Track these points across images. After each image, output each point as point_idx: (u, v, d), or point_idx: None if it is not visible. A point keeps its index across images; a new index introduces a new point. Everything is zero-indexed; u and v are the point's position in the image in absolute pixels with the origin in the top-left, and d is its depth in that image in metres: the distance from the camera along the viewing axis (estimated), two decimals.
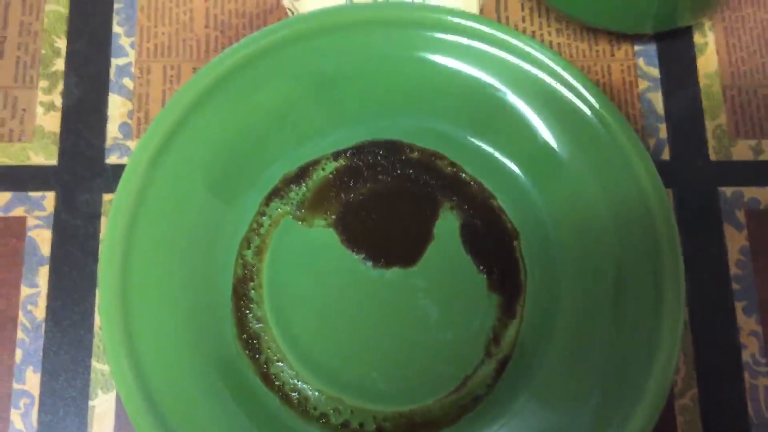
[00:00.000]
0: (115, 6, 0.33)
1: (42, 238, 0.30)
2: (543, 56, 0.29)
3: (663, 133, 0.33)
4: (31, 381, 0.29)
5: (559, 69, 0.29)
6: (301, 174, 0.31)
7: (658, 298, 0.27)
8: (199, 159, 0.29)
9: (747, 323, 0.31)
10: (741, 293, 0.31)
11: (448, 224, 0.31)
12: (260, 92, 0.30)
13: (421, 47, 0.30)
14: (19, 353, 0.29)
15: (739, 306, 0.31)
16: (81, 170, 0.31)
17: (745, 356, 0.30)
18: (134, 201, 0.27)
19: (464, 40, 0.30)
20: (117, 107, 0.32)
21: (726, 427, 0.30)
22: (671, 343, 0.27)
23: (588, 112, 0.29)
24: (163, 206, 0.28)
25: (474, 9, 0.31)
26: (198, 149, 0.29)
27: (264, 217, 0.30)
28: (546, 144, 0.30)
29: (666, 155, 0.33)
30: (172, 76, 0.32)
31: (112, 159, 0.31)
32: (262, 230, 0.30)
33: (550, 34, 0.34)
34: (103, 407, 0.29)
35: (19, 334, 0.30)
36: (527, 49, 0.29)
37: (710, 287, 0.31)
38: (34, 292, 0.30)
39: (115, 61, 0.32)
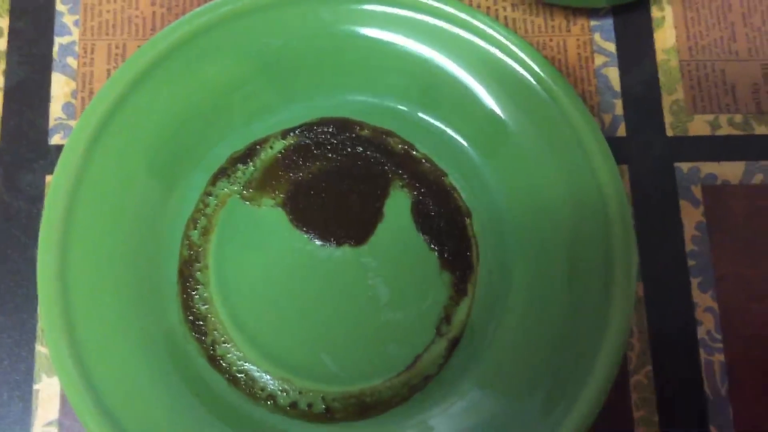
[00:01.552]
0: None
1: None
2: (491, 30, 0.29)
3: (619, 109, 0.32)
4: None
5: (506, 41, 0.29)
6: (249, 153, 0.30)
7: (609, 278, 0.27)
8: (142, 138, 0.28)
9: (703, 299, 0.30)
10: (696, 269, 0.31)
11: (399, 202, 0.30)
12: (204, 69, 0.29)
13: (367, 22, 0.30)
14: None
15: (694, 282, 0.31)
16: (24, 151, 0.31)
17: (701, 332, 0.30)
18: (73, 181, 0.27)
19: (413, 15, 0.29)
20: (60, 87, 0.31)
21: (681, 403, 0.29)
22: (621, 323, 0.26)
23: (537, 85, 0.29)
24: (103, 187, 0.28)
25: None
26: (140, 128, 0.28)
27: (210, 197, 0.30)
28: (494, 117, 0.29)
29: (622, 131, 0.32)
30: (117, 54, 0.32)
31: (55, 140, 0.31)
32: (208, 210, 0.29)
33: (505, 9, 0.33)
34: (47, 391, 0.28)
35: None
36: (476, 23, 0.29)
37: (666, 263, 0.31)
38: None
39: (59, 40, 0.32)
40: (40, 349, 0.29)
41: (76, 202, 0.27)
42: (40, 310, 0.26)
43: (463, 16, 0.29)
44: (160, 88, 0.28)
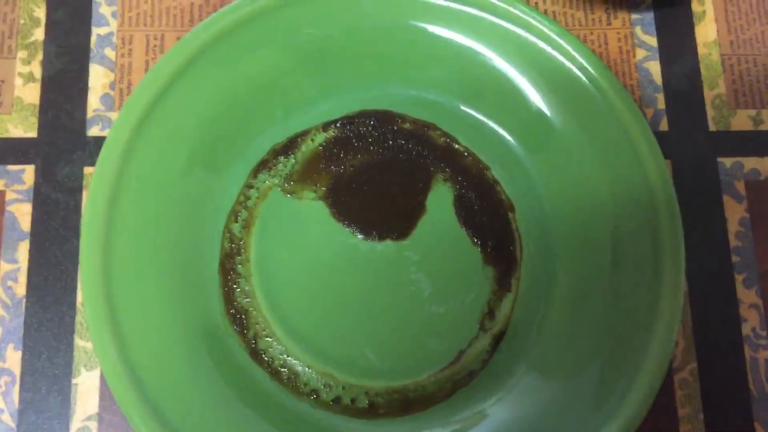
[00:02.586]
0: None
1: (22, 213, 0.29)
2: (537, 22, 0.29)
3: (661, 103, 0.32)
4: (12, 359, 0.28)
5: (553, 35, 0.28)
6: (290, 145, 0.30)
7: (658, 270, 0.26)
8: (183, 130, 0.28)
9: (747, 296, 0.30)
10: (741, 266, 0.30)
11: (441, 196, 0.30)
12: (246, 61, 0.29)
13: (412, 14, 0.29)
14: None
15: (739, 278, 0.30)
16: (61, 143, 0.30)
17: (746, 329, 0.30)
18: (115, 174, 0.27)
19: (456, 6, 0.29)
20: (98, 78, 0.31)
21: (726, 401, 0.29)
22: (671, 314, 0.26)
23: (584, 79, 0.28)
24: (145, 179, 0.27)
25: None
26: (181, 120, 0.28)
27: (251, 190, 0.29)
28: (539, 112, 0.29)
29: (664, 126, 0.32)
30: (155, 45, 0.31)
31: (93, 131, 0.30)
32: (249, 203, 0.29)
33: (545, 2, 0.33)
34: (86, 385, 0.28)
35: None
36: (520, 15, 0.29)
37: (710, 260, 0.30)
38: (14, 268, 0.29)
39: (96, 31, 0.31)
40: (79, 342, 0.28)
41: (119, 194, 0.27)
42: (84, 301, 0.25)
43: (506, 6, 0.29)
44: (202, 79, 0.28)
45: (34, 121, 0.30)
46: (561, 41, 0.28)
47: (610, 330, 0.27)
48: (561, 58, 0.28)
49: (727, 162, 0.32)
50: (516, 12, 0.29)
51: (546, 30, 0.28)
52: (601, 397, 0.25)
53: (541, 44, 0.29)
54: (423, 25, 0.29)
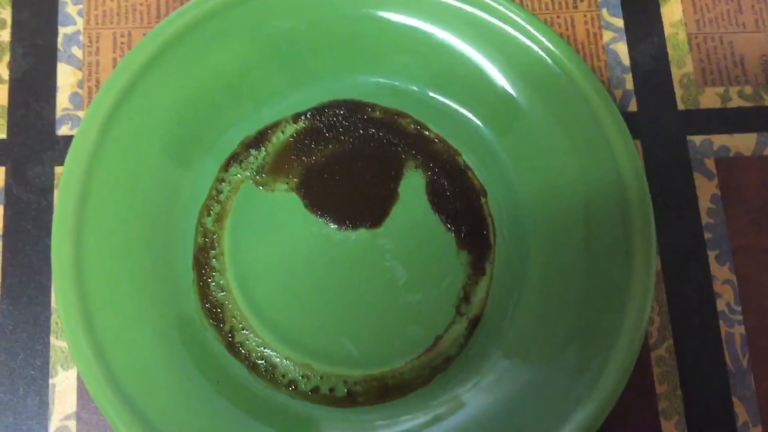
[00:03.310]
0: None
1: None
2: (501, 6, 0.29)
3: (629, 84, 0.32)
4: None
5: (517, 18, 0.29)
6: (260, 138, 0.30)
7: (629, 249, 0.27)
8: (152, 125, 0.28)
9: (721, 272, 0.30)
10: (713, 242, 0.31)
11: (413, 183, 0.30)
12: (212, 55, 0.29)
13: (377, 3, 0.29)
14: None
15: (712, 255, 0.31)
16: (31, 143, 0.30)
17: (720, 305, 0.30)
18: (85, 171, 0.27)
19: None
20: (67, 77, 0.31)
21: (703, 376, 0.29)
22: (643, 292, 0.26)
23: (549, 60, 0.28)
24: (115, 176, 0.27)
25: None
26: (150, 115, 0.28)
27: (223, 183, 0.29)
28: (505, 94, 0.29)
29: (633, 106, 0.32)
30: (122, 43, 0.31)
31: (63, 130, 0.30)
32: (221, 197, 0.29)
33: None
34: (64, 385, 0.28)
35: None
36: (485, 0, 0.29)
37: (682, 237, 0.31)
38: None
39: (63, 30, 0.31)
40: (55, 342, 0.28)
41: (89, 192, 0.26)
42: (57, 300, 0.25)
43: None
44: (169, 74, 0.28)
45: (2, 122, 0.30)
46: (525, 24, 0.28)
47: (584, 311, 0.27)
48: (526, 41, 0.28)
49: (696, 140, 0.32)
50: None
51: (510, 13, 0.28)
52: (576, 377, 0.26)
53: (506, 28, 0.29)
54: (388, 13, 0.29)
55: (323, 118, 0.30)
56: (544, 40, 0.28)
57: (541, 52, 0.28)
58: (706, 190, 0.31)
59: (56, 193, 0.29)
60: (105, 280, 0.26)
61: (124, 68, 0.27)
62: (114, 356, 0.25)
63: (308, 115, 0.30)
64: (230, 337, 0.28)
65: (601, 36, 0.33)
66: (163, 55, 0.28)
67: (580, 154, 0.28)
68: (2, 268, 0.29)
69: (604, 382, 0.25)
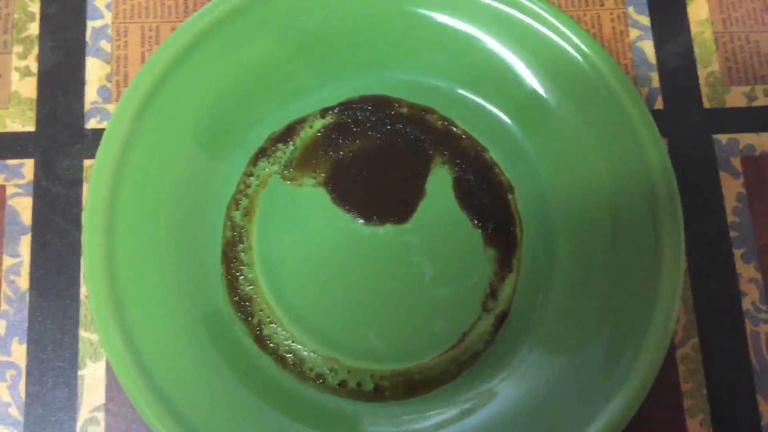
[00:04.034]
0: None
1: (22, 207, 0.29)
2: (531, 3, 0.29)
3: (655, 82, 0.32)
4: (17, 352, 0.28)
5: (548, 16, 0.29)
6: (288, 132, 0.30)
7: (658, 246, 0.27)
8: (182, 120, 0.28)
9: (746, 270, 0.30)
10: (739, 240, 0.31)
11: (440, 179, 0.30)
12: (242, 49, 0.29)
13: (407, 0, 0.29)
14: (3, 324, 0.28)
15: (737, 253, 0.31)
16: (60, 136, 0.30)
17: (746, 303, 0.30)
18: (116, 165, 0.27)
19: None
20: (95, 70, 0.31)
21: (728, 374, 0.29)
22: (672, 289, 0.26)
23: (579, 58, 0.28)
24: (146, 170, 0.27)
25: None
26: (179, 110, 0.28)
27: (251, 178, 0.29)
28: (535, 92, 0.29)
29: (659, 105, 0.32)
30: (150, 37, 0.31)
31: (91, 123, 0.30)
32: (249, 191, 0.29)
33: None
34: (92, 376, 0.28)
35: (3, 305, 0.29)
36: None
37: (708, 236, 0.31)
38: (17, 262, 0.29)
39: (91, 24, 0.31)
40: (84, 334, 0.29)
41: (120, 185, 0.27)
42: (88, 292, 0.25)
43: None
44: (199, 68, 0.28)
45: (31, 115, 0.30)
46: (555, 21, 0.28)
47: (611, 307, 0.27)
48: (556, 39, 0.29)
49: (722, 138, 0.32)
50: None
51: (540, 11, 0.28)
52: (605, 373, 0.26)
53: (536, 25, 0.29)
54: (418, 10, 0.29)
55: (351, 114, 0.30)
56: (573, 36, 0.28)
57: (570, 49, 0.28)
58: (732, 188, 0.31)
59: (85, 185, 0.30)
60: (135, 273, 0.26)
61: (155, 62, 0.27)
62: (144, 348, 0.26)
63: (336, 111, 0.30)
64: (258, 330, 0.28)
65: (627, 34, 0.33)
66: (194, 50, 0.28)
67: (609, 151, 0.28)
68: (31, 260, 0.29)
69: (633, 378, 0.25)
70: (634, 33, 0.33)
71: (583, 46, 0.28)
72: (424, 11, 0.29)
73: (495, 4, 0.29)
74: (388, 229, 0.29)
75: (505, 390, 0.27)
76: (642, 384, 0.25)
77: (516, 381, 0.27)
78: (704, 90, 0.32)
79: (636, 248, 0.27)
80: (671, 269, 0.26)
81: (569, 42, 0.28)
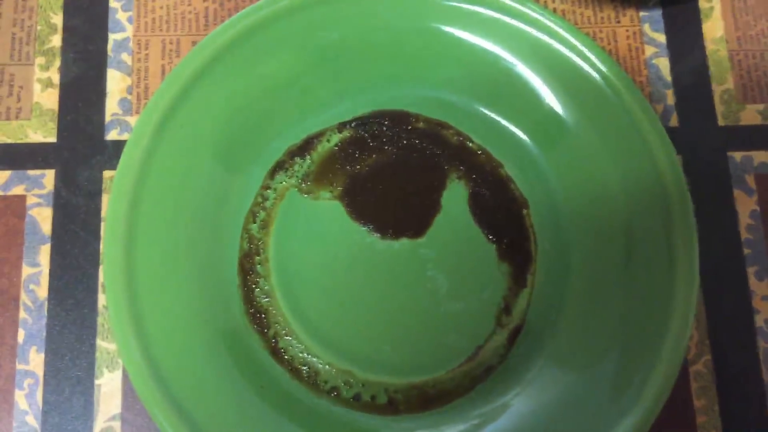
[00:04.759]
0: None
1: (42, 217, 0.30)
2: (549, 21, 0.29)
3: (670, 99, 0.32)
4: (35, 361, 0.29)
5: (565, 34, 0.29)
6: (306, 146, 0.30)
7: (672, 263, 0.27)
8: (201, 133, 0.28)
9: (759, 288, 0.30)
10: (752, 258, 0.31)
11: (455, 194, 0.30)
12: (262, 64, 0.29)
13: (426, 16, 0.30)
14: (21, 333, 0.29)
15: (751, 271, 0.31)
16: (81, 147, 0.31)
17: (759, 321, 0.30)
18: (136, 177, 0.27)
19: (469, 7, 0.29)
20: (116, 83, 0.31)
21: (740, 392, 0.29)
22: (685, 307, 0.26)
23: (596, 76, 0.29)
24: (165, 182, 0.28)
25: None
26: (200, 123, 0.28)
27: (269, 191, 0.30)
28: (552, 110, 0.29)
29: (674, 122, 0.32)
30: (171, 50, 0.32)
31: (112, 135, 0.31)
32: (267, 204, 0.30)
33: (554, 1, 0.33)
34: (109, 386, 0.28)
35: (22, 314, 0.29)
36: (533, 14, 0.29)
37: (721, 253, 0.31)
38: (36, 272, 0.29)
39: (113, 36, 0.32)
40: (101, 343, 0.29)
41: (140, 197, 0.27)
42: (108, 303, 0.26)
43: (518, 6, 0.29)
44: (219, 83, 0.28)
45: (53, 126, 0.31)
46: (572, 39, 0.29)
47: (625, 324, 0.27)
48: (572, 56, 0.29)
49: (737, 156, 0.32)
50: (528, 11, 0.29)
51: (557, 28, 0.29)
52: (618, 389, 0.26)
53: (553, 43, 0.29)
54: (436, 26, 0.30)
55: (368, 128, 0.30)
56: (589, 54, 0.29)
57: (586, 67, 0.29)
58: (745, 206, 0.31)
59: (104, 197, 0.30)
60: (154, 284, 0.27)
61: (176, 76, 0.28)
62: (162, 359, 0.26)
63: (353, 125, 0.30)
64: (274, 342, 0.28)
65: (643, 51, 0.33)
66: (214, 64, 0.28)
67: (623, 168, 0.28)
68: (50, 270, 0.29)
69: (646, 395, 0.25)
70: (649, 50, 0.33)
71: (599, 64, 0.28)
72: (442, 27, 0.30)
73: (512, 21, 0.29)
74: (404, 243, 0.29)
75: (518, 405, 0.27)
76: (654, 404, 0.25)
77: (529, 396, 0.27)
78: (719, 107, 0.32)
79: (650, 265, 0.27)
80: (685, 287, 0.26)
81: (586, 60, 0.29)
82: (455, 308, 0.29)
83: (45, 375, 0.29)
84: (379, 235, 0.29)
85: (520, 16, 0.29)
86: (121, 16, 0.32)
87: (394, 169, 0.30)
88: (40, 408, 0.28)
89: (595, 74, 0.29)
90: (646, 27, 0.33)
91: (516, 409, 0.27)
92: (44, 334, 0.29)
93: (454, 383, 0.28)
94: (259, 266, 0.29)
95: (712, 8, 0.34)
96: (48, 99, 0.31)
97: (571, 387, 0.27)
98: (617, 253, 0.28)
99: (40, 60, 0.31)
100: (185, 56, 0.28)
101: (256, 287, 0.29)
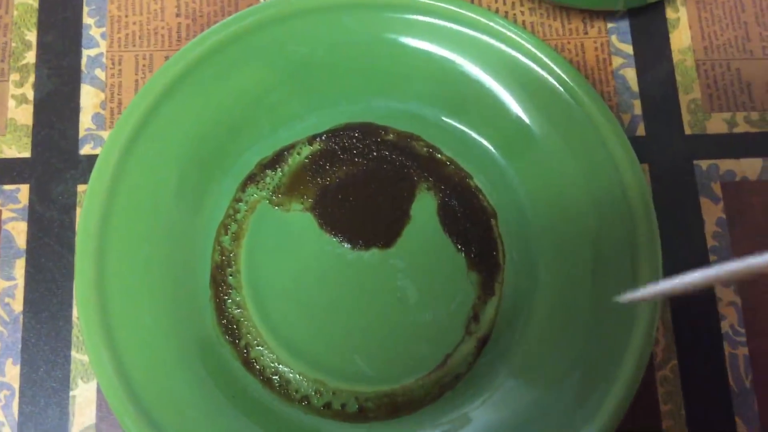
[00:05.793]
0: None
1: (17, 231, 0.30)
2: (514, 34, 0.29)
3: (638, 109, 0.33)
4: (11, 373, 0.29)
5: (530, 47, 0.29)
6: (277, 159, 0.31)
7: (635, 274, 0.27)
8: (172, 147, 0.29)
9: (725, 294, 0.31)
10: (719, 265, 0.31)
11: (425, 205, 0.31)
12: (232, 78, 0.30)
13: (392, 29, 0.30)
14: None
15: None
16: (55, 162, 0.31)
17: (725, 326, 0.31)
18: (108, 190, 0.27)
19: (435, 21, 0.30)
20: (90, 98, 0.32)
21: (707, 396, 0.30)
22: (649, 318, 0.27)
23: (561, 89, 0.29)
24: (137, 195, 0.28)
25: None
26: (171, 137, 0.29)
27: (240, 203, 0.30)
28: (519, 121, 0.30)
29: (641, 131, 0.33)
30: (144, 65, 0.32)
31: (86, 150, 0.31)
32: (238, 216, 0.30)
33: (523, 13, 0.34)
34: (84, 397, 0.29)
35: None
36: (498, 28, 0.30)
37: (688, 260, 0.31)
38: (11, 285, 0.30)
39: (87, 52, 0.32)
40: (76, 355, 0.29)
41: (112, 210, 0.27)
42: (79, 316, 0.26)
43: (484, 20, 0.30)
44: (191, 97, 0.29)
45: (27, 141, 0.31)
46: (537, 52, 0.29)
47: (590, 334, 0.28)
48: (538, 69, 0.29)
49: (703, 164, 0.32)
50: (494, 25, 0.29)
51: (522, 42, 0.29)
52: (581, 397, 0.26)
53: (519, 56, 0.29)
54: (404, 39, 0.30)
55: (338, 140, 0.31)
56: (554, 67, 0.29)
57: (552, 79, 0.29)
58: (712, 213, 0.32)
59: (78, 210, 0.30)
60: (126, 296, 0.27)
61: (147, 91, 0.28)
62: (133, 370, 0.26)
63: (324, 138, 0.31)
64: (245, 352, 0.29)
65: (610, 62, 0.33)
66: (185, 80, 0.29)
67: (590, 180, 0.29)
68: (25, 282, 0.30)
69: (607, 405, 0.26)
70: (617, 61, 0.34)
71: (564, 77, 0.29)
72: (408, 41, 0.30)
73: (479, 35, 0.30)
74: (374, 253, 0.30)
75: (484, 413, 0.27)
76: (615, 412, 0.26)
77: (495, 404, 0.27)
78: (686, 116, 0.33)
79: (615, 274, 0.28)
80: (647, 301, 0.27)
81: (551, 73, 0.29)
82: (425, 317, 0.29)
83: (21, 386, 0.29)
84: (349, 245, 0.30)
85: (486, 30, 0.30)
86: (95, 32, 0.32)
87: (365, 180, 0.31)
88: (16, 419, 0.29)
89: (560, 87, 0.29)
90: (614, 38, 0.34)
91: (483, 416, 0.28)
92: (20, 346, 0.29)
93: (423, 391, 0.29)
94: (231, 278, 0.29)
95: (678, 18, 0.34)
96: (22, 114, 0.31)
97: (535, 395, 0.27)
98: (584, 264, 0.29)
99: (14, 76, 0.32)
100: (156, 71, 0.28)
101: (228, 298, 0.29)
